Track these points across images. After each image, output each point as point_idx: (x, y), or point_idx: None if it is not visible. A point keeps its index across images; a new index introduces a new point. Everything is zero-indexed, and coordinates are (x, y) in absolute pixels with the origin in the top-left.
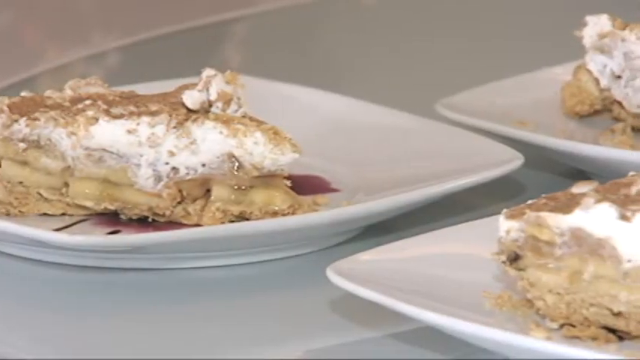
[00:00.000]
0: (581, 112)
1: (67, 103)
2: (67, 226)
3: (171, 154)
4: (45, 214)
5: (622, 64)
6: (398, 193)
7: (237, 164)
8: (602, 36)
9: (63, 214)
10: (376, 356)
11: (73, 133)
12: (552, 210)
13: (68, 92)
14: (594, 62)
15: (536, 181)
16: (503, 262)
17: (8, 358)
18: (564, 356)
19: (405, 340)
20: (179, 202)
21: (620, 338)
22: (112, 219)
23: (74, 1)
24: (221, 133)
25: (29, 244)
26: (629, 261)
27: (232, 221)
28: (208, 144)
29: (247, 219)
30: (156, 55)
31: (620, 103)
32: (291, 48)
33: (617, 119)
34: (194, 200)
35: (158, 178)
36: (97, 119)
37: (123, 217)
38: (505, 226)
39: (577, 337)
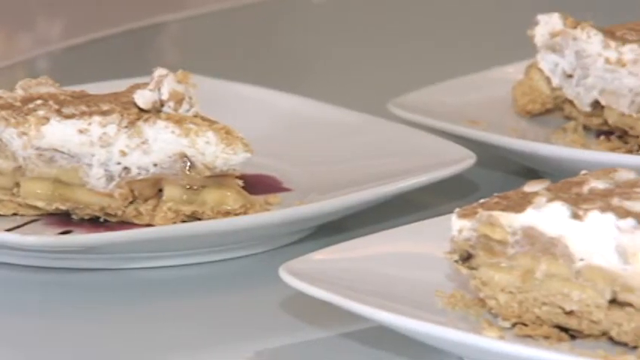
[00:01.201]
0: (532, 111)
1: (18, 103)
2: (18, 227)
3: (123, 153)
4: None
5: (573, 62)
6: (350, 193)
7: (189, 164)
8: (553, 35)
9: (14, 214)
10: (329, 356)
11: (24, 133)
12: (504, 209)
13: (19, 92)
14: (546, 61)
15: (488, 180)
16: (456, 262)
17: None
18: (516, 355)
19: (358, 340)
20: (131, 202)
21: (573, 337)
22: (64, 219)
23: (24, 1)
24: (173, 132)
25: None
26: (581, 260)
27: (184, 221)
28: (160, 144)
29: (199, 219)
30: (106, 54)
31: (571, 102)
32: (243, 47)
33: (568, 118)
34: (146, 200)
35: (110, 178)
36: (48, 119)
37: (74, 217)
38: (457, 225)
39: (529, 336)
